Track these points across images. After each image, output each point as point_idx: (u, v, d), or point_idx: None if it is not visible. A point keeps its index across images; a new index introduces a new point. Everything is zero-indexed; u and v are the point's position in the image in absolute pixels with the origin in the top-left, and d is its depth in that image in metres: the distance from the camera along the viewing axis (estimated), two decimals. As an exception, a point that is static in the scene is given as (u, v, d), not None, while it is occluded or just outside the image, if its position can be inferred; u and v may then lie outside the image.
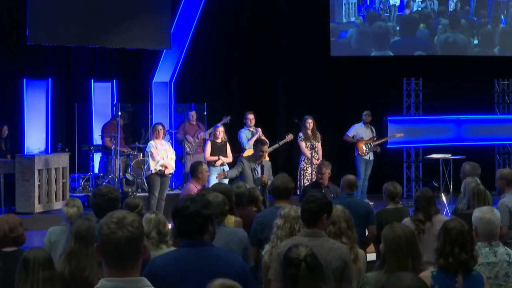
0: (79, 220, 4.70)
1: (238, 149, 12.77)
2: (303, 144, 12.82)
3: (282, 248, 4.74)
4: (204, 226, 3.85)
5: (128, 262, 2.82)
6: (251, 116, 12.81)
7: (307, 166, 12.60)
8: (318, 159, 12.44)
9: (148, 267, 3.77)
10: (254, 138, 12.29)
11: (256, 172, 9.69)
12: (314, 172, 11.40)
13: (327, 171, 8.82)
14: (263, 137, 11.80)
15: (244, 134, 12.78)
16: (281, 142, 12.82)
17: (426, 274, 4.23)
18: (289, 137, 12.85)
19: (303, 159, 12.84)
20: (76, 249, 4.58)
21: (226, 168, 11.92)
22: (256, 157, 9.82)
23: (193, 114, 13.77)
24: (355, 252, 5.10)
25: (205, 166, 8.74)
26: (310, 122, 12.88)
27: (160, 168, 11.36)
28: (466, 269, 4.22)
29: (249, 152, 12.24)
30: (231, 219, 6.00)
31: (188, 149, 13.58)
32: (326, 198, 4.94)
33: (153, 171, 11.34)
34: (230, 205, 5.66)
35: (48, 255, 4.35)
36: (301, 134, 12.92)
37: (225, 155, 12.00)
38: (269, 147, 12.44)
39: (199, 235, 3.84)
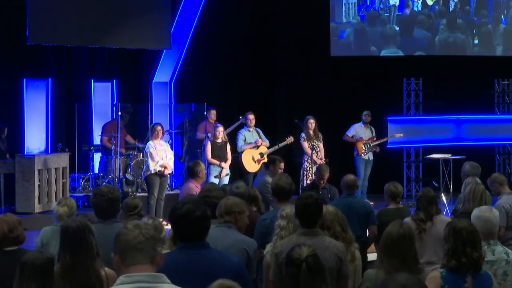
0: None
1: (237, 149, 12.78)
2: (305, 144, 12.73)
3: (279, 248, 4.75)
4: (208, 228, 3.87)
5: (146, 258, 2.96)
6: (251, 116, 12.79)
7: (310, 166, 12.52)
8: (321, 159, 12.46)
9: None
10: (250, 146, 12.48)
11: None
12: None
13: (327, 174, 9.02)
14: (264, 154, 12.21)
15: (242, 135, 12.73)
16: (281, 144, 12.81)
17: (435, 275, 4.24)
18: (289, 139, 12.82)
19: (306, 159, 12.69)
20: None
21: (228, 172, 12.07)
22: (274, 174, 9.89)
23: (213, 113, 13.65)
24: (352, 252, 5.11)
25: (203, 165, 8.94)
26: (312, 122, 12.82)
27: (160, 168, 11.39)
28: (476, 268, 4.24)
29: (246, 154, 12.36)
30: None
31: None
32: (319, 199, 4.98)
33: (153, 172, 11.37)
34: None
35: (47, 261, 4.17)
36: (303, 135, 12.83)
37: (225, 155, 12.08)
38: (268, 149, 12.60)
39: (203, 238, 3.84)
